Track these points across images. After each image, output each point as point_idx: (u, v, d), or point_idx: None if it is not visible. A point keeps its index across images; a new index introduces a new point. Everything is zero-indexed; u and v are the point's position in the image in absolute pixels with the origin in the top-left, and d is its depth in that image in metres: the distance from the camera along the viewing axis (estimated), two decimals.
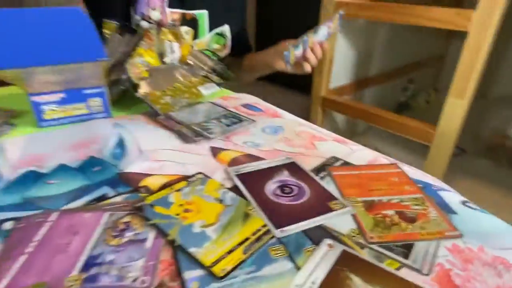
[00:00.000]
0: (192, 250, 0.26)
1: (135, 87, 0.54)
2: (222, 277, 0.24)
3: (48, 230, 0.28)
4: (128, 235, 0.28)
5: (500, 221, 0.32)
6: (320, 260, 0.26)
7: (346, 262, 0.26)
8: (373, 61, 1.79)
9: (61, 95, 0.47)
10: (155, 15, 0.67)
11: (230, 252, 0.26)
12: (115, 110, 0.53)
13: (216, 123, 0.50)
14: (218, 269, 0.25)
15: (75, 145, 0.43)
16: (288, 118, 0.54)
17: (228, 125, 0.49)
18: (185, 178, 0.36)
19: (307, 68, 0.72)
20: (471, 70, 0.99)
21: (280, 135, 0.48)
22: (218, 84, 0.66)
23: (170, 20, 0.69)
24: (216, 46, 0.78)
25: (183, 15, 0.71)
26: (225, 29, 0.77)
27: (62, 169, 0.38)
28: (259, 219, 0.30)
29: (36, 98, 0.46)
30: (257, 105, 0.59)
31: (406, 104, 2.14)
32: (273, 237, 0.28)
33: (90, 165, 0.38)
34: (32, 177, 0.36)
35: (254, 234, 0.28)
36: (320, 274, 0.25)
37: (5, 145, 0.42)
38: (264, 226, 0.29)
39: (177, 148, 0.43)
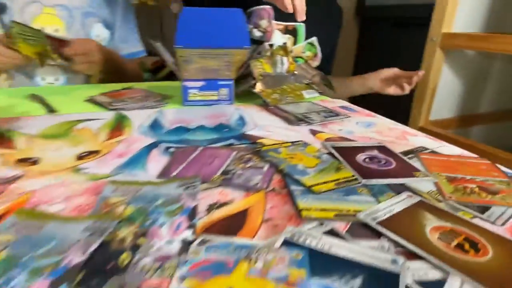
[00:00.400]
0: (296, 176, 0.35)
1: (253, 85, 0.68)
2: (318, 194, 0.32)
3: (197, 154, 0.41)
4: (250, 164, 0.38)
5: None
6: (399, 201, 0.32)
7: (422, 206, 0.31)
8: (485, 97, 1.66)
9: (202, 83, 0.63)
10: (263, 23, 0.86)
11: (324, 183, 0.34)
12: (236, 102, 0.68)
13: (316, 114, 0.59)
14: (316, 188, 0.33)
15: (209, 116, 0.57)
16: (381, 118, 0.60)
17: (326, 117, 0.58)
18: (290, 142, 0.46)
19: (407, 89, 0.87)
20: None
21: (373, 128, 0.54)
22: (320, 93, 0.76)
23: (276, 29, 0.87)
24: (308, 53, 0.97)
25: (286, 26, 0.92)
26: (314, 39, 0.97)
27: (202, 128, 0.51)
28: (349, 172, 0.37)
29: (186, 83, 0.63)
30: (353, 108, 0.67)
31: None
32: (359, 183, 0.35)
33: (220, 128, 0.51)
34: (182, 130, 0.50)
35: (344, 178, 0.36)
36: (398, 207, 0.31)
37: (163, 112, 0.59)
38: (353, 176, 0.36)
39: (282, 127, 0.54)
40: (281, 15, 0.88)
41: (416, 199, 0.32)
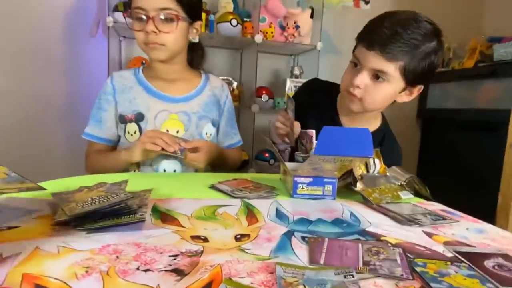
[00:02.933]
0: None
1: (354, 183, 0.76)
2: None
3: (328, 244, 0.47)
4: (382, 256, 0.43)
5: None
6: None
7: None
8: None
9: (310, 179, 0.73)
10: (303, 143, 0.94)
11: None
12: (337, 197, 0.75)
13: (422, 217, 0.63)
14: None
15: (322, 210, 0.64)
16: (489, 225, 0.62)
17: (434, 220, 0.61)
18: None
19: None
20: None
21: (486, 235, 0.56)
22: (413, 194, 0.81)
23: None
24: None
25: None
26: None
27: (321, 221, 0.58)
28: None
29: (297, 179, 0.73)
30: (453, 211, 0.69)
31: None
32: None
33: (338, 222, 0.58)
34: (305, 221, 0.58)
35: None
36: None
37: (280, 203, 0.67)
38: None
39: (394, 226, 0.58)
40: None
41: None
